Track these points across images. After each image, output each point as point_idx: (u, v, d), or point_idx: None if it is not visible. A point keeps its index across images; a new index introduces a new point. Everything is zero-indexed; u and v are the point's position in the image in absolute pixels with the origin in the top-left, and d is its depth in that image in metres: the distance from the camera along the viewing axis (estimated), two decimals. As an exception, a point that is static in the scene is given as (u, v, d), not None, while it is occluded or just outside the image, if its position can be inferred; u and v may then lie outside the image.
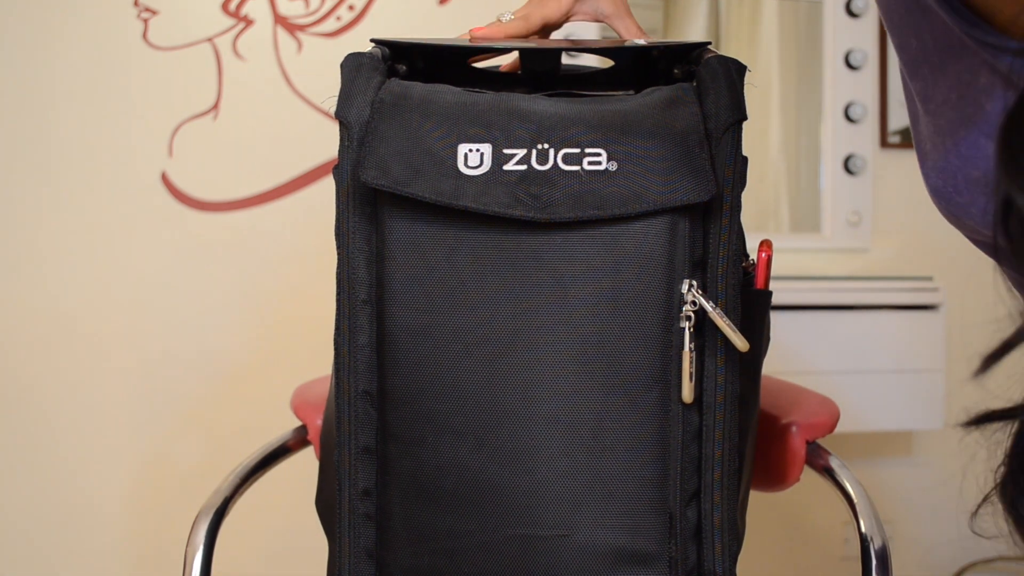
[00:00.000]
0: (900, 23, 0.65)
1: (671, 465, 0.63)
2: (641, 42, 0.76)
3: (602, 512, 0.62)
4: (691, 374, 0.62)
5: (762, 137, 1.99)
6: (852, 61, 1.97)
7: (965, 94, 0.60)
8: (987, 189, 0.61)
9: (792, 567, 1.97)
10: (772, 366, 1.62)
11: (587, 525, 0.61)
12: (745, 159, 0.63)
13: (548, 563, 0.61)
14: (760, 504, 1.85)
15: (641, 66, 0.80)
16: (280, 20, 1.75)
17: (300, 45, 1.76)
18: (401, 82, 0.64)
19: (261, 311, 1.75)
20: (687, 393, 0.62)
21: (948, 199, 0.64)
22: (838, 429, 0.84)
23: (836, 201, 1.97)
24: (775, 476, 0.82)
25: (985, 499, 0.52)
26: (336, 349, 0.65)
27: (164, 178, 1.72)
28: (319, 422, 0.87)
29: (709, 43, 0.70)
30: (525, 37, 0.79)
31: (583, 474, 0.61)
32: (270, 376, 1.73)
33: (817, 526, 1.97)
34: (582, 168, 0.60)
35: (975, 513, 0.53)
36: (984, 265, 2.08)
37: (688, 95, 0.63)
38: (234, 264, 1.74)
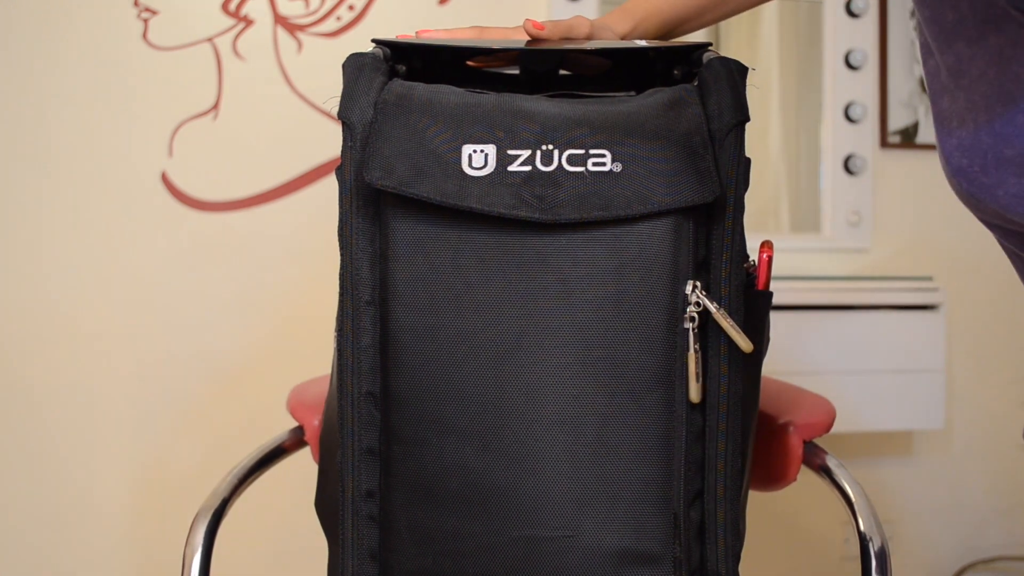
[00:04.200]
0: None
1: (675, 466, 0.63)
2: (642, 43, 0.76)
3: (607, 513, 0.62)
4: (697, 374, 0.62)
5: (762, 137, 2.00)
6: (852, 61, 1.97)
7: (1006, 69, 0.59)
8: (1019, 170, 0.60)
9: (792, 567, 1.97)
10: (772, 366, 1.63)
11: (592, 526, 0.62)
12: (748, 160, 0.63)
13: (553, 564, 0.61)
14: (760, 504, 1.85)
15: (640, 67, 0.80)
16: (280, 20, 1.75)
17: (300, 45, 1.76)
18: (404, 82, 0.64)
19: (261, 311, 1.75)
20: (695, 393, 0.62)
21: (972, 179, 0.63)
22: (839, 429, 0.85)
23: (836, 201, 1.97)
24: (772, 475, 0.82)
25: None
26: (339, 350, 0.65)
27: (164, 178, 1.72)
28: (316, 423, 0.87)
29: (710, 44, 0.70)
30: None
31: (588, 475, 0.61)
32: (270, 376, 1.73)
33: (817, 526, 1.97)
34: (587, 169, 0.60)
35: None
36: (984, 265, 2.08)
37: (691, 96, 0.63)
38: (234, 264, 1.74)
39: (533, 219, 0.60)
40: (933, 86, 0.68)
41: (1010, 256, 0.72)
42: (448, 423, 0.62)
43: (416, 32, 0.77)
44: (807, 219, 2.01)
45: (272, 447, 0.88)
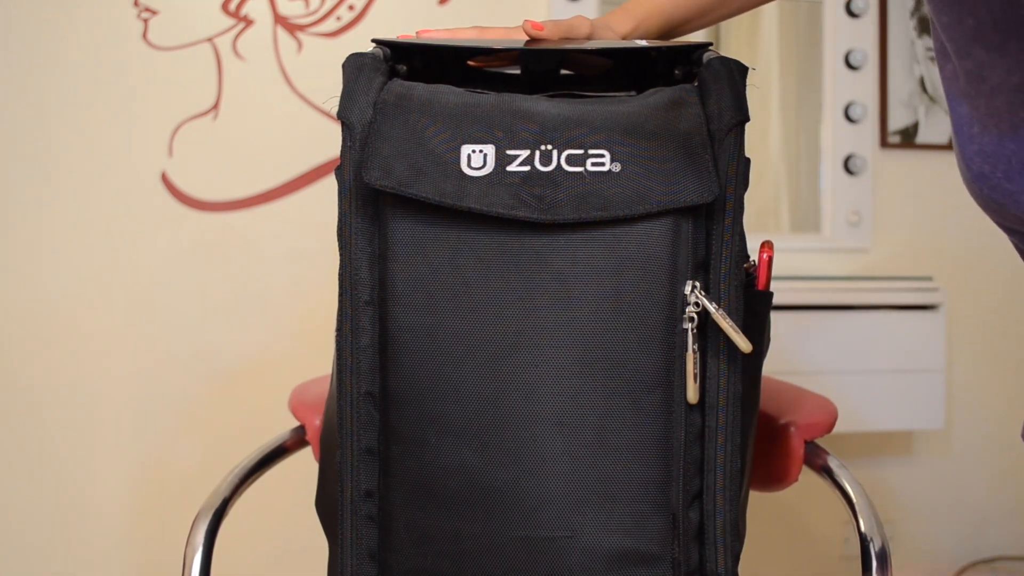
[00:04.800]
0: (955, 0, 0.63)
1: (674, 466, 0.63)
2: (642, 43, 0.76)
3: (606, 513, 0.62)
4: (695, 375, 0.62)
5: (762, 137, 1.99)
6: (852, 61, 1.97)
7: None
8: None
9: (792, 567, 1.97)
10: (772, 366, 1.63)
11: (591, 526, 0.62)
12: (748, 160, 0.63)
13: (552, 565, 0.61)
14: (760, 504, 1.85)
15: (641, 67, 0.80)
16: (280, 20, 1.75)
17: (300, 45, 1.76)
18: (403, 82, 0.64)
19: (261, 311, 1.75)
20: (692, 394, 0.62)
21: (995, 185, 0.63)
22: (839, 429, 0.84)
23: (836, 201, 1.97)
24: (774, 476, 0.82)
25: None
26: (338, 350, 0.65)
27: (164, 178, 1.72)
28: (317, 422, 0.87)
29: (710, 44, 0.70)
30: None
31: (586, 475, 0.61)
32: (270, 376, 1.73)
33: (817, 526, 1.97)
34: (585, 169, 0.60)
35: None
36: (984, 265, 2.07)
37: (690, 96, 0.63)
38: (234, 264, 1.74)
39: (532, 219, 0.60)
40: (951, 91, 0.67)
41: None
42: (447, 423, 0.62)
43: (416, 32, 0.77)
44: (807, 219, 2.01)
45: (273, 447, 0.88)
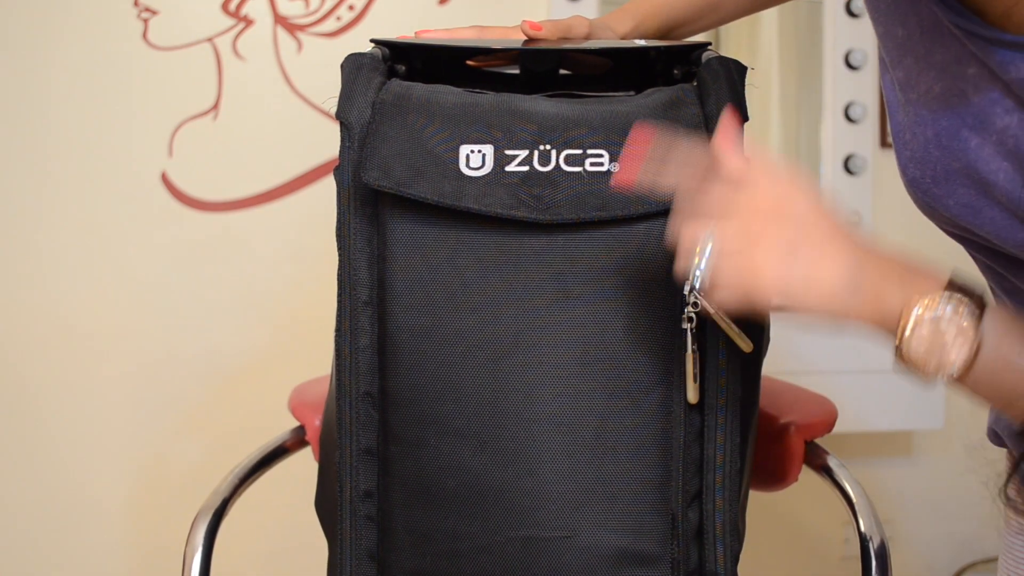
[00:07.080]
0: (887, 11, 0.65)
1: (673, 466, 0.63)
2: (641, 43, 0.76)
3: (605, 513, 0.62)
4: (695, 375, 0.62)
5: (762, 137, 1.99)
6: (852, 61, 1.96)
7: (950, 85, 0.60)
8: (966, 181, 0.62)
9: (792, 567, 1.97)
10: (772, 366, 1.62)
11: (589, 526, 0.62)
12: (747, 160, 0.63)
13: (551, 564, 0.61)
14: (760, 504, 1.85)
15: (640, 67, 0.80)
16: (280, 20, 1.75)
17: (300, 45, 1.76)
18: (402, 83, 0.65)
19: (261, 311, 1.75)
20: (691, 394, 0.62)
21: (925, 190, 0.65)
22: (838, 429, 0.85)
23: (836, 201, 1.97)
24: (773, 476, 0.82)
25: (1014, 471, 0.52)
26: (337, 350, 0.65)
27: (164, 178, 1.72)
28: (317, 423, 0.87)
29: (709, 44, 0.70)
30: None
31: (585, 475, 0.62)
32: (270, 376, 1.73)
33: (817, 526, 1.97)
34: (584, 169, 0.61)
35: (1005, 485, 0.54)
36: (985, 266, 2.02)
37: (689, 96, 0.63)
38: (234, 264, 1.74)
39: (530, 219, 0.60)
40: (889, 99, 0.70)
41: (980, 267, 0.73)
42: (446, 423, 0.62)
43: (415, 32, 0.77)
44: (807, 219, 2.01)
45: (273, 447, 0.88)
